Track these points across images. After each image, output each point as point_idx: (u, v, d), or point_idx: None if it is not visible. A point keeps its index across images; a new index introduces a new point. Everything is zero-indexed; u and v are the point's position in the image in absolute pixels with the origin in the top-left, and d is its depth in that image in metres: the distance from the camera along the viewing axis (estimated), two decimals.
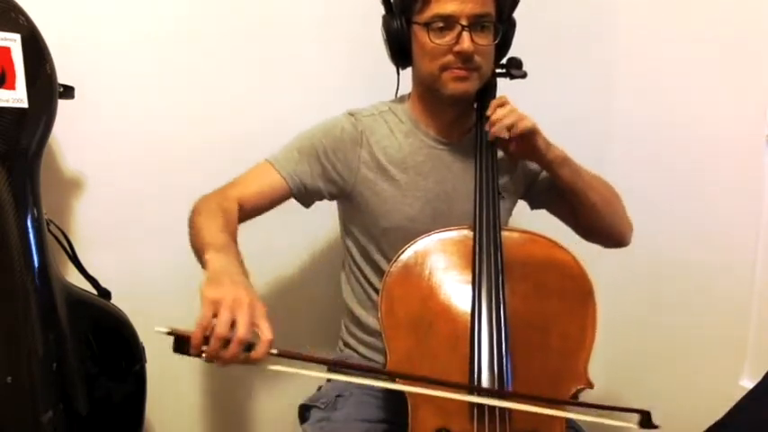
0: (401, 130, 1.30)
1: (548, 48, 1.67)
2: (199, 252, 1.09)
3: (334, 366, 1.17)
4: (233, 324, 0.91)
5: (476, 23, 1.17)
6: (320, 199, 1.30)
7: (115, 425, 1.37)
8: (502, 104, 1.21)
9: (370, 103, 1.35)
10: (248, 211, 1.21)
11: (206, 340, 0.92)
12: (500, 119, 1.19)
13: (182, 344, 0.93)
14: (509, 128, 1.18)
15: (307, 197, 1.28)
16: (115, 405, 1.37)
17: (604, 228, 1.31)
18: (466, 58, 1.18)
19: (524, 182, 1.37)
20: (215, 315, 0.91)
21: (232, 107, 1.55)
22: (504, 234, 1.18)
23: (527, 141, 1.21)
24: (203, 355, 0.93)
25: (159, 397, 1.46)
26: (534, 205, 1.40)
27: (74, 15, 1.40)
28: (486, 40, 1.20)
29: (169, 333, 0.93)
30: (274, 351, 0.94)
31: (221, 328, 0.91)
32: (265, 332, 0.93)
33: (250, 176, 1.25)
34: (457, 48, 1.17)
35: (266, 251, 1.58)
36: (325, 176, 1.26)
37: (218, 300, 0.92)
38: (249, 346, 0.92)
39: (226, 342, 0.91)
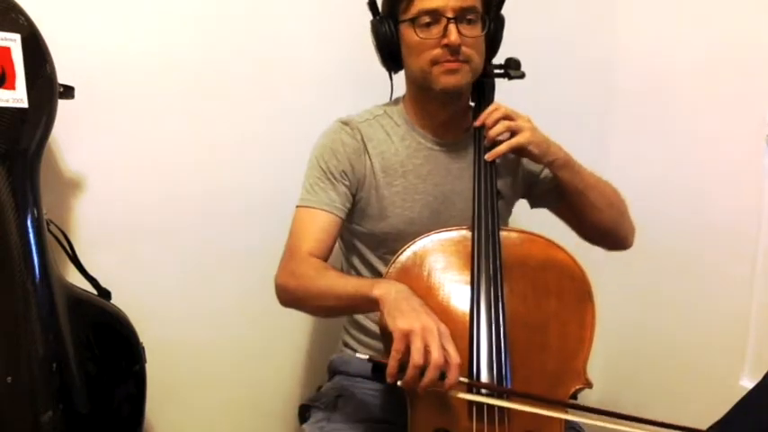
0: (397, 133, 1.29)
1: (546, 48, 1.67)
2: (349, 303, 1.12)
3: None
4: (426, 351, 0.95)
5: (461, 16, 1.17)
6: None
7: (115, 425, 1.37)
8: (497, 116, 1.20)
9: (368, 103, 1.35)
10: (326, 260, 1.22)
11: (401, 368, 0.96)
12: (494, 135, 1.19)
13: (379, 372, 0.99)
14: (497, 155, 1.20)
15: (350, 214, 1.29)
16: (115, 405, 1.37)
17: (607, 230, 1.30)
18: (454, 50, 1.17)
19: (524, 182, 1.36)
20: (408, 345, 0.95)
21: (232, 106, 1.55)
22: (503, 234, 1.18)
23: (520, 152, 1.22)
24: (399, 383, 0.97)
25: (159, 397, 1.47)
26: (535, 204, 1.40)
27: (74, 15, 1.40)
28: (473, 32, 1.19)
29: (369, 360, 1.01)
30: (463, 379, 1.00)
31: (419, 357, 0.95)
32: (454, 356, 0.97)
33: (301, 230, 1.24)
34: (444, 40, 1.17)
35: (266, 253, 1.58)
36: (350, 190, 1.27)
37: (409, 330, 0.96)
38: (442, 372, 0.96)
39: (423, 370, 0.95)
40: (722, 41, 1.61)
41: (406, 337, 0.96)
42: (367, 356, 1.02)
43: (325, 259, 1.21)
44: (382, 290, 1.03)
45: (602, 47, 1.82)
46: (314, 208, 1.24)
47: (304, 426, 1.26)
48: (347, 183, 1.26)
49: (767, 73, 1.54)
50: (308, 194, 1.26)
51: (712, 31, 1.64)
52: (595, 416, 1.00)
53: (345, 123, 1.29)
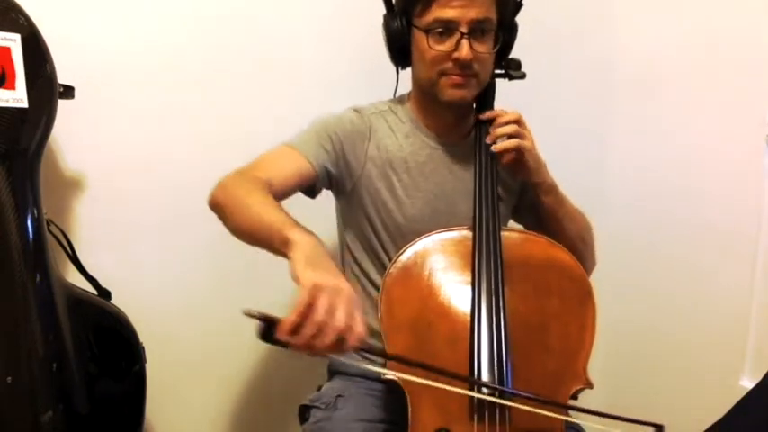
0: (401, 130, 1.30)
1: (547, 49, 1.66)
2: (264, 230, 1.02)
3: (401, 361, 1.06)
4: (331, 311, 0.87)
5: (476, 29, 1.17)
6: (328, 188, 1.28)
7: (115, 425, 1.37)
8: (510, 117, 1.20)
9: (371, 100, 1.35)
10: (276, 196, 1.12)
11: (297, 328, 0.87)
12: (500, 133, 1.19)
13: (270, 329, 0.88)
14: (505, 148, 1.19)
15: (322, 183, 1.24)
16: (115, 405, 1.38)
17: None
18: (464, 65, 1.17)
19: (518, 191, 1.36)
20: (313, 300, 0.87)
21: (232, 107, 1.55)
22: (504, 234, 1.18)
23: (518, 157, 1.21)
24: (291, 342, 0.88)
25: (159, 397, 1.47)
26: (516, 215, 1.39)
27: (74, 15, 1.40)
28: (485, 48, 1.19)
29: (257, 317, 0.89)
30: (364, 346, 0.92)
31: (322, 314, 0.87)
32: (360, 325, 0.89)
33: (273, 160, 1.19)
34: (455, 55, 1.16)
35: (266, 253, 1.58)
36: (337, 164, 1.25)
37: (319, 285, 0.88)
38: (341, 339, 0.88)
39: (321, 330, 0.87)
40: (722, 41, 1.61)
41: (314, 290, 0.87)
42: (257, 313, 0.89)
43: (276, 197, 1.12)
44: (300, 237, 0.95)
45: (602, 47, 1.81)
46: (297, 150, 1.20)
47: (304, 426, 1.26)
48: (340, 152, 1.24)
49: (767, 73, 1.54)
50: (299, 140, 1.23)
51: (712, 31, 1.64)
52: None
53: (356, 110, 1.30)
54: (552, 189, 1.25)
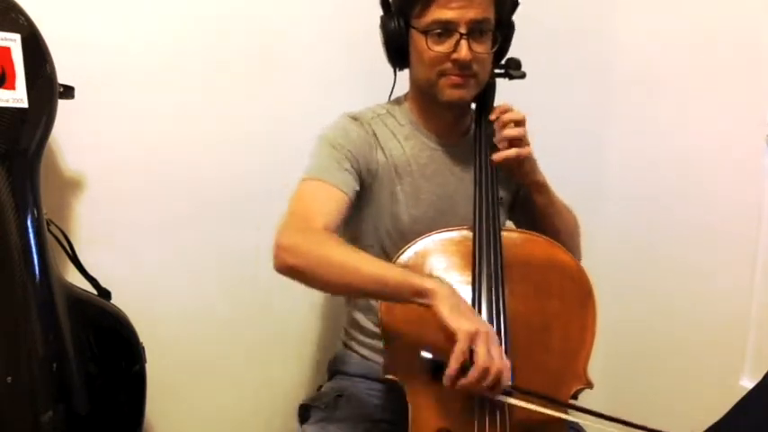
0: (401, 132, 1.29)
1: (547, 48, 1.67)
2: (381, 284, 1.03)
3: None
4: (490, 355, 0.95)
5: (474, 30, 1.17)
6: None
7: (115, 425, 1.37)
8: (515, 117, 1.20)
9: (370, 101, 1.35)
10: None
11: (462, 371, 0.95)
12: (508, 136, 1.19)
13: (439, 371, 0.97)
14: (506, 157, 1.19)
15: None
16: (115, 405, 1.37)
17: None
18: (463, 66, 1.17)
19: (514, 187, 1.36)
20: (471, 347, 0.95)
21: (232, 107, 1.55)
22: (504, 234, 1.18)
23: (518, 162, 1.21)
24: (457, 384, 0.96)
25: (159, 397, 1.46)
26: (510, 213, 1.39)
27: (74, 15, 1.40)
28: (483, 48, 1.19)
29: (432, 360, 0.99)
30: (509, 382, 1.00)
31: (485, 360, 0.94)
32: (506, 361, 0.98)
33: (315, 201, 1.15)
34: (455, 56, 1.16)
35: (267, 253, 1.58)
36: (360, 180, 1.23)
37: (474, 332, 0.95)
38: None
39: (484, 374, 0.95)
40: (721, 41, 1.61)
41: (472, 338, 0.95)
42: (430, 355, 0.99)
43: None
44: (434, 283, 0.99)
45: (602, 47, 1.82)
46: (326, 182, 1.16)
47: (304, 426, 1.26)
48: (357, 169, 1.22)
49: (767, 73, 1.54)
50: (320, 169, 1.18)
51: (711, 30, 1.64)
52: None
53: (355, 118, 1.27)
54: (545, 188, 1.25)
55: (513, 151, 1.19)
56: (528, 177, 1.24)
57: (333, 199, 1.16)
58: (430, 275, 1.07)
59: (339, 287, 1.12)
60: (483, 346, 0.95)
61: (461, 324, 0.95)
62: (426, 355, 0.99)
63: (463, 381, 0.95)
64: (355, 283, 1.05)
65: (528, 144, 1.21)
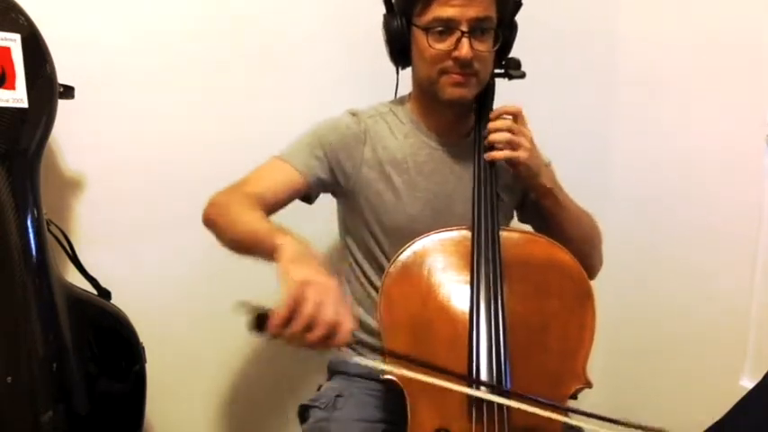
0: (402, 130, 1.29)
1: (550, 49, 1.67)
2: (254, 240, 1.06)
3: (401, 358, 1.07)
4: (320, 306, 0.90)
5: (476, 28, 1.17)
6: (325, 192, 1.30)
7: (115, 425, 1.37)
8: (503, 125, 1.20)
9: (371, 102, 1.35)
10: (267, 210, 1.18)
11: (287, 322, 0.90)
12: (492, 141, 1.19)
13: (261, 321, 0.91)
14: (494, 158, 1.19)
15: (316, 191, 1.28)
16: (115, 405, 1.38)
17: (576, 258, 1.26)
18: (464, 64, 1.17)
19: (521, 190, 1.35)
20: (302, 296, 0.90)
21: (232, 107, 1.55)
22: (504, 234, 1.18)
23: (513, 165, 1.21)
24: (281, 335, 0.91)
25: (159, 397, 1.47)
26: (522, 216, 1.39)
27: (74, 15, 1.40)
28: (485, 46, 1.19)
29: (249, 309, 0.91)
30: (353, 339, 0.94)
31: (311, 309, 0.89)
32: (348, 319, 0.93)
33: (264, 174, 1.23)
34: (455, 53, 1.16)
35: None
36: (331, 170, 1.26)
37: (307, 281, 0.91)
38: (332, 333, 0.91)
39: (311, 325, 0.90)
40: (723, 42, 1.61)
41: (302, 286, 0.90)
42: (249, 305, 0.91)
43: (266, 209, 1.17)
44: (287, 240, 1.00)
45: (603, 47, 1.82)
46: (289, 163, 1.23)
47: (304, 426, 1.26)
48: (333, 160, 1.25)
49: (767, 73, 1.54)
50: (290, 151, 1.25)
51: (713, 31, 1.64)
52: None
53: (353, 113, 1.30)
54: (550, 193, 1.24)
55: (502, 153, 1.19)
56: (529, 181, 1.23)
57: (283, 175, 1.22)
58: (290, 234, 1.03)
59: (234, 244, 1.14)
60: (313, 294, 0.90)
61: (295, 271, 0.93)
62: (245, 303, 0.91)
63: (287, 330, 0.90)
64: (244, 242, 1.10)
65: (525, 148, 1.19)
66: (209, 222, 1.18)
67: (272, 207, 1.20)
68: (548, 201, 1.25)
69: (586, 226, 1.30)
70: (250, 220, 1.10)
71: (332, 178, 1.26)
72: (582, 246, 1.25)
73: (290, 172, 1.23)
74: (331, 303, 0.91)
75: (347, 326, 0.92)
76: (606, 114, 1.86)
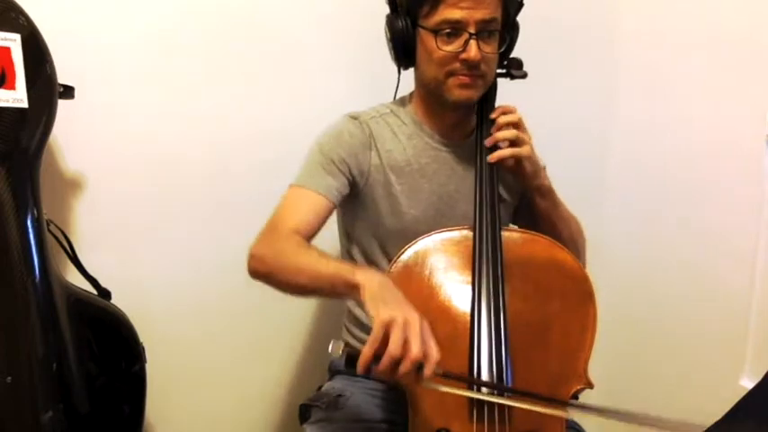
0: (404, 132, 1.29)
1: (549, 48, 1.66)
2: (327, 282, 1.07)
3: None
4: (405, 343, 0.93)
5: (483, 30, 1.17)
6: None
7: (115, 425, 1.37)
8: (510, 120, 1.20)
9: (373, 102, 1.35)
10: (308, 241, 1.18)
11: (376, 359, 0.94)
12: (500, 138, 1.19)
13: (352, 361, 0.96)
14: (500, 158, 1.19)
15: (338, 204, 1.26)
16: (115, 405, 1.37)
17: None
18: (472, 66, 1.17)
19: (520, 190, 1.36)
20: (387, 335, 0.93)
21: (232, 107, 1.55)
22: (505, 234, 1.18)
23: (517, 163, 1.21)
24: (372, 372, 0.95)
25: (159, 397, 1.47)
26: (515, 217, 1.39)
27: (74, 15, 1.40)
28: (491, 48, 1.19)
29: (343, 351, 0.98)
30: (440, 371, 0.97)
31: (396, 348, 0.92)
32: (434, 352, 0.95)
33: (290, 208, 1.21)
34: (464, 55, 1.16)
35: None
36: (346, 182, 1.25)
37: (390, 320, 0.94)
38: (420, 366, 0.94)
39: (398, 361, 0.93)
40: (722, 41, 1.61)
41: (386, 326, 0.93)
42: (342, 344, 0.98)
43: (308, 240, 1.18)
44: (364, 276, 1.01)
45: (604, 47, 1.82)
46: (307, 188, 1.22)
47: (304, 425, 1.26)
48: (346, 172, 1.24)
49: (767, 73, 1.54)
50: (305, 176, 1.23)
51: (713, 31, 1.64)
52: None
53: (354, 117, 1.29)
54: (549, 193, 1.25)
55: (508, 151, 1.19)
56: (529, 180, 1.23)
57: (309, 203, 1.21)
58: (364, 268, 1.07)
59: (295, 289, 1.16)
60: (397, 333, 0.92)
61: (379, 312, 0.95)
62: (337, 344, 0.98)
63: (376, 368, 0.93)
64: (304, 283, 1.11)
65: (527, 145, 1.20)
66: (263, 275, 1.15)
67: (310, 238, 1.19)
68: (545, 201, 1.25)
69: (573, 227, 1.30)
70: (311, 262, 1.09)
71: (349, 188, 1.26)
72: (569, 246, 1.26)
73: (314, 198, 1.21)
74: (415, 339, 0.93)
75: (433, 358, 0.94)
76: (606, 114, 1.86)
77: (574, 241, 1.29)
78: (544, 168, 1.27)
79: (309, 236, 1.18)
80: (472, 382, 1.04)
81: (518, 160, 1.20)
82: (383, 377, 0.95)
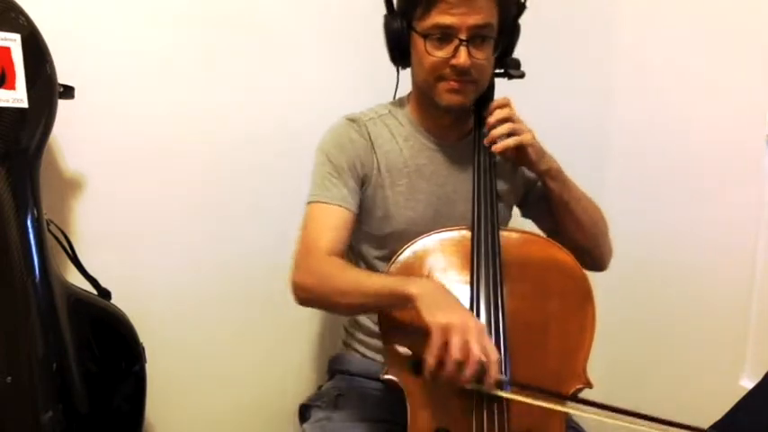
0: (401, 133, 1.29)
1: (546, 48, 1.66)
2: (382, 298, 1.07)
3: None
4: (465, 345, 0.95)
5: (476, 36, 1.16)
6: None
7: (115, 425, 1.38)
8: (502, 115, 1.20)
9: (373, 102, 1.35)
10: (344, 256, 1.20)
11: (440, 365, 0.96)
12: (497, 135, 1.19)
13: (417, 368, 0.99)
14: (506, 147, 1.19)
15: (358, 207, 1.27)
16: (115, 405, 1.38)
17: (586, 248, 1.27)
18: (462, 72, 1.16)
19: (523, 187, 1.36)
20: (446, 340, 0.95)
21: (232, 107, 1.55)
22: (503, 234, 1.18)
23: (519, 151, 1.21)
24: (437, 378, 0.97)
25: (159, 397, 1.47)
26: (526, 212, 1.40)
27: (74, 15, 1.40)
28: (483, 54, 1.18)
29: (410, 357, 1.02)
30: (503, 377, 1.01)
31: (457, 352, 0.94)
32: (493, 353, 0.97)
33: (317, 227, 1.20)
34: (453, 61, 1.15)
35: (268, 253, 1.58)
36: (357, 186, 1.25)
37: (448, 326, 0.96)
38: (482, 368, 0.96)
39: (461, 364, 0.95)
40: (722, 41, 1.61)
41: (445, 332, 0.95)
42: (409, 352, 1.01)
43: (342, 256, 1.19)
44: (418, 287, 1.02)
45: (602, 48, 1.82)
46: (328, 203, 1.21)
47: (304, 425, 1.26)
48: (356, 177, 1.25)
49: (767, 72, 1.54)
50: (320, 190, 1.22)
51: (713, 31, 1.64)
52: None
53: (353, 120, 1.28)
54: (558, 175, 1.24)
55: (512, 140, 1.19)
56: (537, 166, 1.22)
57: (334, 219, 1.21)
58: (414, 278, 1.08)
59: (345, 309, 1.23)
60: (457, 337, 0.95)
61: (436, 318, 0.97)
62: (404, 351, 1.03)
63: (442, 374, 0.96)
64: (357, 303, 1.12)
65: (527, 131, 1.20)
66: (312, 302, 1.18)
67: (344, 252, 1.20)
68: (556, 183, 1.24)
69: (592, 209, 1.29)
70: (357, 281, 1.11)
71: (361, 190, 1.26)
72: (593, 229, 1.27)
73: (336, 212, 1.21)
74: (475, 341, 0.95)
75: (494, 357, 0.97)
76: (605, 114, 1.86)
77: (595, 224, 1.28)
78: (547, 152, 1.26)
79: (342, 252, 1.19)
80: (545, 391, 1.04)
81: (521, 148, 1.20)
82: (454, 383, 0.97)
